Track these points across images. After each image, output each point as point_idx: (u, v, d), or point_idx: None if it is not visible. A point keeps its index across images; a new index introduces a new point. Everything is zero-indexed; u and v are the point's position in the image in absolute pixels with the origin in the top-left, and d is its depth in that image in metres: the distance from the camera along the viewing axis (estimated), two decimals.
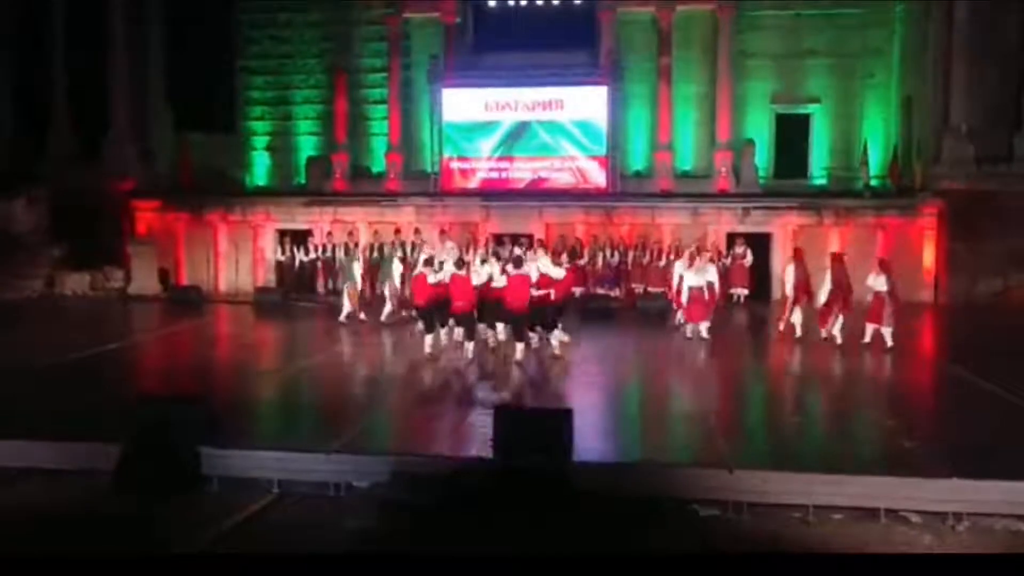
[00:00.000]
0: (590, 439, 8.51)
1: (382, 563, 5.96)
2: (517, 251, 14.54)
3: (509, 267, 13.02)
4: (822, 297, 14.42)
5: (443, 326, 13.63)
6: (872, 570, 5.94)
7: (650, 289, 19.29)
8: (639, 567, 5.80)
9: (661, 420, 10.38)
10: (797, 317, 14.83)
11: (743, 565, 6.21)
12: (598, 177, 23.44)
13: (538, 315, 13.10)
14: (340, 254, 20.80)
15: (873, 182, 22.55)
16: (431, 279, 13.01)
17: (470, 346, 12.88)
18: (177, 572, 5.75)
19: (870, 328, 14.06)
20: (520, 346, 12.61)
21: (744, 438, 9.52)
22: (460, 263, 13.29)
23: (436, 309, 13.14)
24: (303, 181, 25.32)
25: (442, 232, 20.26)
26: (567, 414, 7.82)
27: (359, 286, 17.05)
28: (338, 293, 20.18)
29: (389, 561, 6.04)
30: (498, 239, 20.22)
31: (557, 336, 13.27)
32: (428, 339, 13.19)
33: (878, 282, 14.02)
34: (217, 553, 6.65)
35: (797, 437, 9.55)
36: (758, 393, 12.28)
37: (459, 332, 13.34)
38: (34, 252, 21.73)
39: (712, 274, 15.45)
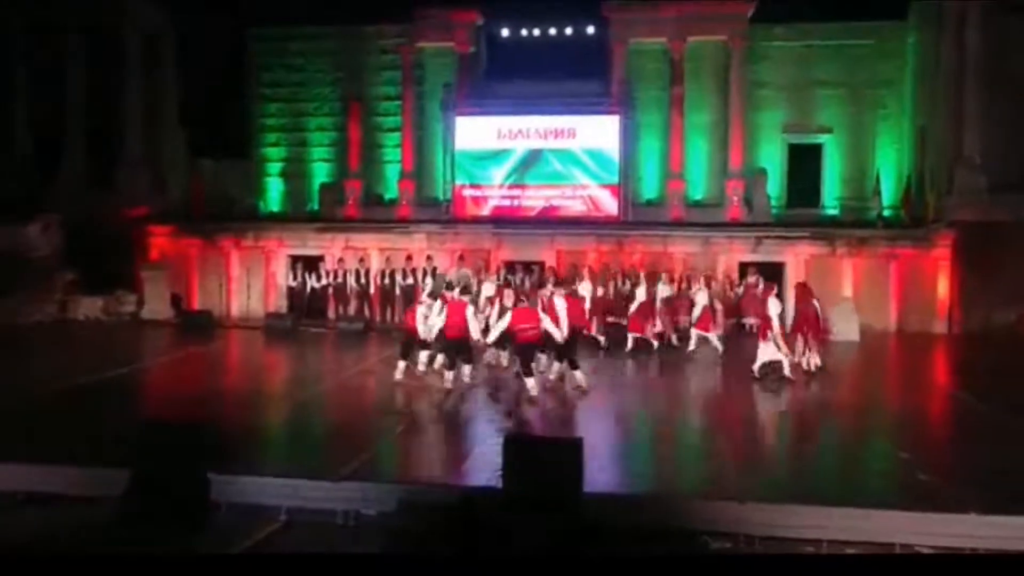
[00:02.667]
0: (600, 469, 8.43)
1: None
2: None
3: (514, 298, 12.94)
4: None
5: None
6: (872, 570, 5.85)
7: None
8: (641, 568, 5.72)
9: (671, 450, 10.28)
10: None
11: (744, 565, 6.15)
12: (610, 205, 23.48)
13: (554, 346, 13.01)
14: (351, 280, 20.89)
15: (886, 212, 22.50)
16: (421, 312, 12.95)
17: (450, 375, 12.51)
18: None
19: (695, 334, 16.17)
20: (531, 380, 12.28)
21: (755, 469, 9.41)
22: (465, 290, 13.18)
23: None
24: (316, 207, 25.48)
25: (460, 258, 20.31)
26: (577, 444, 7.74)
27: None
28: (349, 319, 20.25)
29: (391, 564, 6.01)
30: (509, 267, 20.26)
31: (568, 368, 13.03)
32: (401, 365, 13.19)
33: (701, 296, 16.21)
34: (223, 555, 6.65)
35: (809, 469, 9.43)
36: (769, 424, 12.16)
37: (443, 359, 13.03)
38: (48, 277, 21.87)
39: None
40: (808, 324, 14.42)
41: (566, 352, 12.89)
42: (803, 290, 14.90)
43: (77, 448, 9.03)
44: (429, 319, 12.76)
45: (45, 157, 24.32)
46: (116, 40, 24.05)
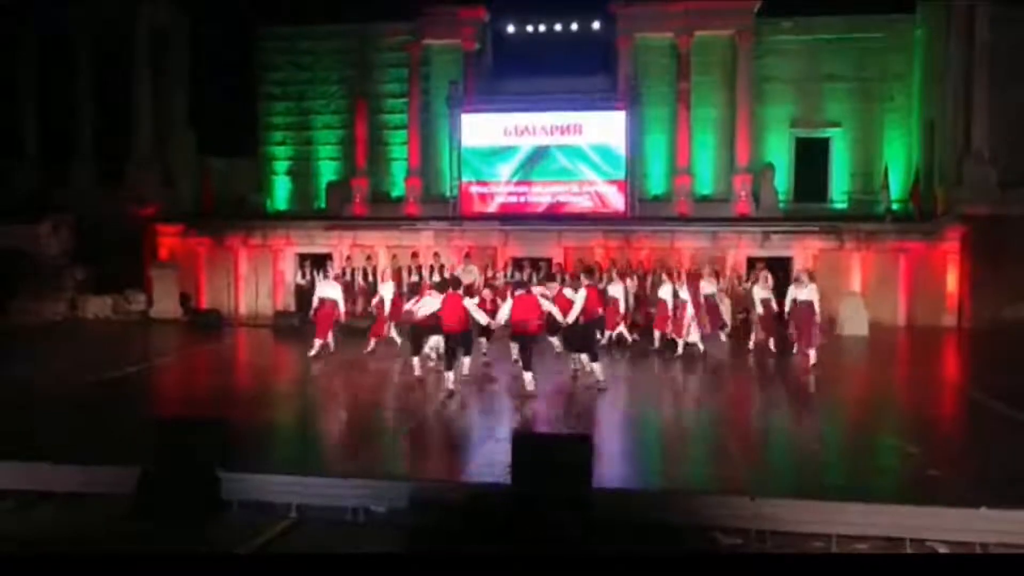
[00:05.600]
0: (609, 465, 8.44)
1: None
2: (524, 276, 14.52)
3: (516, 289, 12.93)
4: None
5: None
6: (872, 570, 5.85)
7: None
8: (643, 567, 5.73)
9: (681, 446, 10.28)
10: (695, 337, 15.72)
11: (743, 565, 6.14)
12: (617, 201, 23.46)
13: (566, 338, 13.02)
14: (359, 278, 20.88)
15: (894, 206, 22.42)
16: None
17: (451, 375, 12.26)
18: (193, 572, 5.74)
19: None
20: (528, 375, 12.26)
21: (765, 464, 9.41)
22: (456, 283, 13.13)
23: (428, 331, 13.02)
24: (323, 205, 25.54)
25: (467, 256, 20.32)
26: (586, 440, 7.75)
27: None
28: (357, 317, 20.25)
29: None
30: (517, 263, 20.26)
31: (586, 360, 12.99)
32: (415, 361, 13.20)
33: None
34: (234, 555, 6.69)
35: (818, 464, 9.41)
36: (777, 419, 12.13)
37: (438, 351, 13.02)
38: (58, 276, 22.02)
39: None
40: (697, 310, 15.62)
41: (583, 345, 12.85)
42: (691, 277, 16.19)
43: (88, 446, 9.09)
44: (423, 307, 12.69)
45: (55, 157, 24.44)
46: (125, 40, 24.13)
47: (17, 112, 24.78)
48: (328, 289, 15.87)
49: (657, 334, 16.37)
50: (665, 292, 16.13)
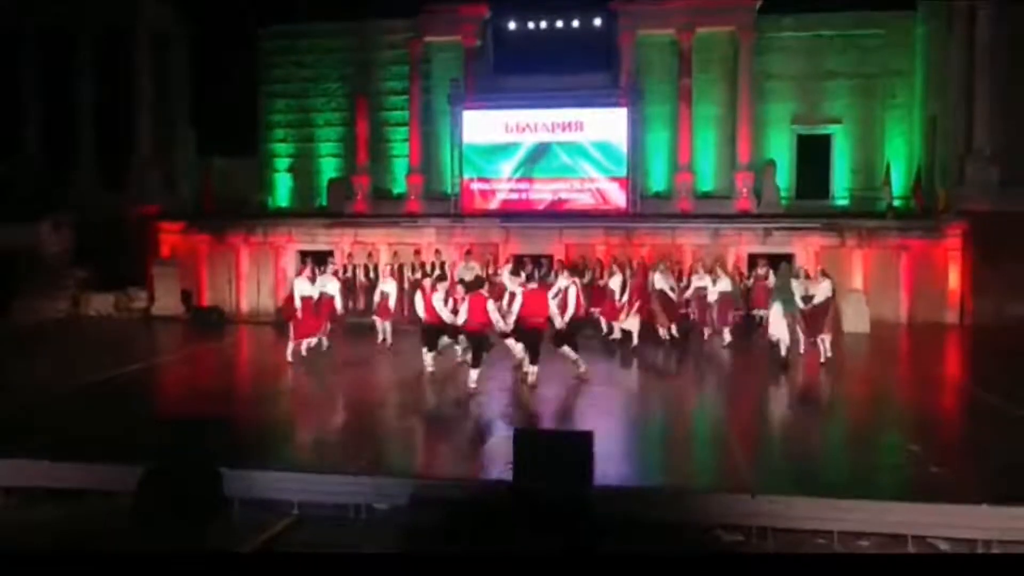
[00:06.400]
0: (610, 462, 8.44)
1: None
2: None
3: (527, 283, 12.95)
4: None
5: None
6: (874, 568, 5.86)
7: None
8: (644, 565, 5.74)
9: (682, 443, 10.28)
10: (634, 324, 16.09)
11: (745, 563, 6.15)
12: (618, 198, 23.42)
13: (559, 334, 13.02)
14: (360, 275, 20.88)
15: (896, 203, 22.37)
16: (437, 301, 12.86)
17: (475, 374, 12.24)
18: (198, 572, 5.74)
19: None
20: (534, 368, 12.36)
21: (766, 462, 9.41)
22: (479, 284, 13.14)
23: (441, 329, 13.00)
24: (324, 203, 25.52)
25: (468, 252, 20.31)
26: (587, 437, 7.74)
27: None
28: (359, 314, 20.23)
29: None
30: (518, 260, 20.22)
31: (568, 351, 13.04)
32: (428, 357, 13.22)
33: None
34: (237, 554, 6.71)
35: (819, 461, 9.42)
36: (779, 417, 12.14)
37: (465, 354, 13.01)
38: (60, 274, 22.03)
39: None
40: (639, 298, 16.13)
41: (566, 339, 12.92)
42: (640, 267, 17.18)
43: (90, 444, 9.10)
44: (448, 305, 12.70)
45: (57, 156, 24.44)
46: (127, 39, 24.13)
47: (19, 112, 24.76)
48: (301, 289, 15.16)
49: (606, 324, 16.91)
50: (615, 283, 16.45)
